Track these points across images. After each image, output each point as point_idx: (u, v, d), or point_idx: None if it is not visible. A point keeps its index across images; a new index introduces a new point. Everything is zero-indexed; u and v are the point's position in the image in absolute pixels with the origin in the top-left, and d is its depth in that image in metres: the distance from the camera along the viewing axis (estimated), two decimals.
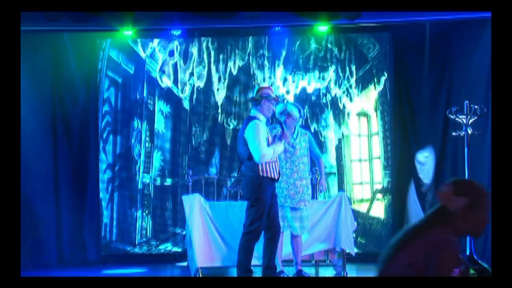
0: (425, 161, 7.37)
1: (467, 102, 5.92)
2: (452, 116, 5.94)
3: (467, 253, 5.63)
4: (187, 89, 8.00)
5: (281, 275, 5.57)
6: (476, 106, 5.91)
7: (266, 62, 7.98)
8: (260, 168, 5.00)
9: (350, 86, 7.93)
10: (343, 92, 7.93)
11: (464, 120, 5.89)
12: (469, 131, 5.88)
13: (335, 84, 7.94)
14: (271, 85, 7.87)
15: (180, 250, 7.66)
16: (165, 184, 7.94)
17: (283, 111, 5.60)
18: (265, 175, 5.00)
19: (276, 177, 5.10)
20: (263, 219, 5.00)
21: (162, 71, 8.00)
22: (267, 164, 5.02)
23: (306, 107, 7.94)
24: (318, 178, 6.71)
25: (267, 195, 5.02)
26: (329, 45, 7.93)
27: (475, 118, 5.90)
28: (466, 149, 5.86)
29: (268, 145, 5.03)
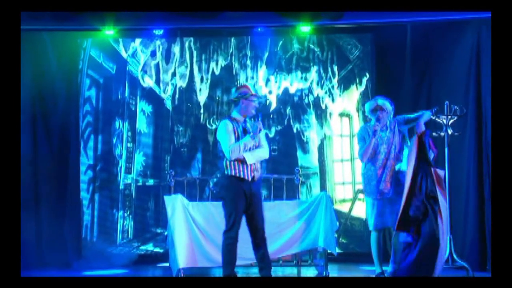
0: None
1: (447, 102, 5.98)
2: (432, 117, 5.99)
3: (447, 253, 5.65)
4: (169, 89, 7.98)
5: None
6: (456, 107, 5.96)
7: (248, 62, 7.99)
8: (226, 166, 4.97)
9: (332, 87, 7.97)
10: (325, 93, 7.97)
11: (445, 121, 5.94)
12: (449, 132, 5.93)
13: (318, 84, 7.97)
14: (254, 85, 7.90)
15: (162, 250, 7.64)
16: (147, 184, 7.91)
17: (375, 107, 5.57)
18: (231, 173, 4.95)
19: (246, 177, 4.96)
20: (233, 219, 4.92)
21: (144, 71, 7.97)
22: (236, 163, 4.95)
23: (289, 107, 7.96)
24: (301, 179, 6.74)
25: (236, 195, 4.92)
26: (312, 46, 7.96)
27: (455, 118, 5.96)
28: (446, 149, 5.92)
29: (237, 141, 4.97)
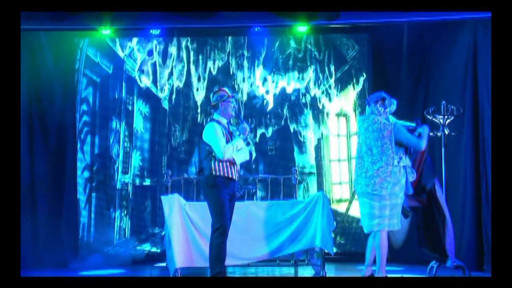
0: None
1: (444, 102, 5.99)
2: (429, 117, 6.00)
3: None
4: (166, 88, 7.98)
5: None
6: (453, 107, 5.98)
7: (245, 62, 7.99)
8: (213, 167, 5.09)
9: (329, 87, 7.98)
10: (322, 92, 7.97)
11: (441, 121, 5.95)
12: (446, 132, 5.95)
13: (315, 84, 7.98)
14: (252, 85, 7.91)
15: (159, 250, 7.63)
16: (144, 184, 7.90)
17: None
18: (217, 174, 5.08)
19: (234, 177, 5.14)
20: (223, 217, 5.04)
21: (141, 71, 7.96)
22: (222, 163, 5.09)
23: (286, 107, 7.96)
24: (298, 178, 6.74)
25: (225, 194, 5.08)
26: (308, 46, 7.97)
27: (452, 118, 5.97)
28: (443, 149, 5.93)
29: (227, 142, 5.14)
